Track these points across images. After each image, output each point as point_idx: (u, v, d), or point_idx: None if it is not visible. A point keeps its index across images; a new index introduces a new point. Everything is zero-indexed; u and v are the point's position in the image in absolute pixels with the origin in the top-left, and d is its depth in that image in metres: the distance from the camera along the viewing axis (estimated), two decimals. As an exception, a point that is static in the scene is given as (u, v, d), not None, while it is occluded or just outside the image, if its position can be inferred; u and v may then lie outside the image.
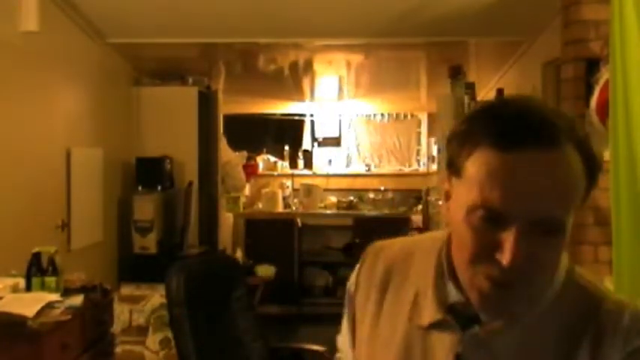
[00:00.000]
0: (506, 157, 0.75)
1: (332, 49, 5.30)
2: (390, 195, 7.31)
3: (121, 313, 4.08)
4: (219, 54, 5.45)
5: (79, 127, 4.54)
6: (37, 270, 2.85)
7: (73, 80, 4.46)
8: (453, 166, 0.82)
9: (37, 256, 2.87)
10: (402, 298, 0.93)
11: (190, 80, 5.76)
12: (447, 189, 0.86)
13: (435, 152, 4.94)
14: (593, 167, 0.80)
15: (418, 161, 7.57)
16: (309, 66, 5.81)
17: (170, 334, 2.78)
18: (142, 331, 4.05)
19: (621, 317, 0.82)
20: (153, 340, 3.92)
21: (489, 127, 0.77)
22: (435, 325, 0.87)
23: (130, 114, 5.56)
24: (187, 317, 2.46)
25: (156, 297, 4.19)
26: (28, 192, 3.70)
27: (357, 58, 5.65)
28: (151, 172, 5.35)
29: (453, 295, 0.87)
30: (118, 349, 3.66)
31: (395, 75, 6.22)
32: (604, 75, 3.09)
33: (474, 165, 0.77)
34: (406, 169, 7.54)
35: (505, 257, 0.74)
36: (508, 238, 0.74)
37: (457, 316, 0.86)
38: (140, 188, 5.29)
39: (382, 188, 7.36)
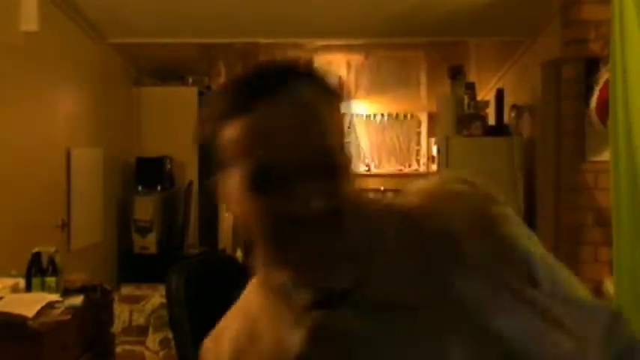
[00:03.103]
0: (252, 115, 0.71)
1: (332, 49, 5.30)
2: (390, 195, 7.30)
3: (121, 313, 4.08)
4: (219, 54, 5.46)
5: (79, 127, 4.54)
6: (37, 270, 2.85)
7: (73, 80, 4.46)
8: (219, 163, 0.78)
9: (37, 256, 2.87)
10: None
11: (190, 80, 5.76)
12: (222, 191, 0.80)
13: (435, 152, 4.94)
14: (337, 91, 0.78)
15: (418, 161, 7.58)
16: (309, 66, 5.81)
17: (170, 334, 2.78)
18: (142, 331, 4.05)
19: None
20: (153, 340, 3.92)
21: (229, 99, 0.74)
22: (312, 342, 0.77)
23: (130, 114, 5.57)
24: (187, 317, 2.46)
25: (156, 297, 4.19)
26: (28, 192, 3.70)
27: (357, 58, 5.65)
28: (151, 172, 5.35)
29: (305, 298, 0.78)
30: (118, 349, 3.66)
31: (395, 75, 6.22)
32: (604, 75, 3.09)
33: (231, 140, 0.74)
34: (406, 169, 7.54)
35: (302, 210, 0.70)
36: (296, 191, 0.70)
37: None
38: (140, 188, 5.29)
39: (382, 188, 7.36)
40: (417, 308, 0.74)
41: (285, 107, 0.72)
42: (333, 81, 0.78)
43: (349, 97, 0.80)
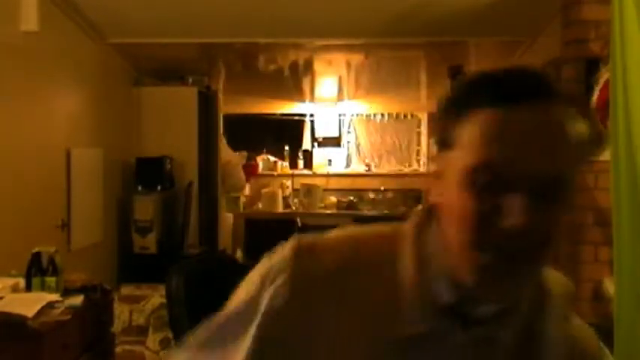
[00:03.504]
0: (506, 112, 0.70)
1: (332, 49, 5.30)
2: (390, 195, 7.31)
3: (121, 313, 4.08)
4: (219, 54, 5.46)
5: (79, 127, 4.54)
6: (37, 270, 2.85)
7: (73, 80, 4.46)
8: (444, 140, 0.75)
9: (37, 256, 2.87)
10: (363, 310, 0.76)
11: (190, 80, 5.76)
12: (437, 169, 0.77)
13: (435, 152, 4.94)
14: (596, 134, 0.77)
15: (418, 161, 7.57)
16: (309, 66, 5.81)
17: (170, 334, 2.78)
18: (142, 331, 4.05)
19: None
20: (153, 340, 3.92)
21: (485, 88, 0.72)
22: (421, 337, 0.74)
23: (130, 114, 5.56)
24: (187, 317, 2.46)
25: (156, 297, 4.19)
26: (28, 192, 3.70)
27: (357, 58, 5.65)
28: (151, 172, 5.35)
29: (443, 295, 0.75)
30: (118, 349, 3.66)
31: (395, 75, 6.22)
32: (604, 75, 3.09)
33: (471, 128, 0.71)
34: (406, 169, 7.54)
35: (511, 220, 0.67)
36: (514, 201, 0.67)
37: (454, 319, 0.75)
38: (140, 188, 5.29)
39: (382, 188, 7.36)
40: None
41: (542, 116, 0.70)
42: (589, 108, 0.78)
43: (600, 142, 0.80)
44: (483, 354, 0.76)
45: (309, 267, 0.78)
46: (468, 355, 0.75)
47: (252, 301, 0.80)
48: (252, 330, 0.78)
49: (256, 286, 0.81)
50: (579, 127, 0.72)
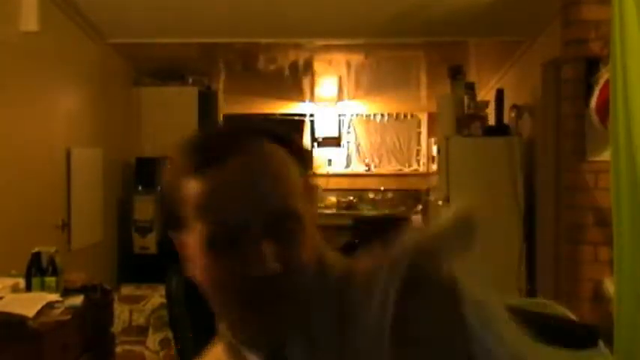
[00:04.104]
0: (208, 179, 0.73)
1: (332, 49, 5.30)
2: (390, 195, 7.31)
3: (121, 313, 4.08)
4: (219, 54, 5.46)
5: (79, 127, 4.54)
6: (37, 270, 2.84)
7: (73, 80, 4.46)
8: (177, 224, 0.79)
9: (37, 256, 2.87)
10: None
11: (190, 80, 5.76)
12: (182, 250, 0.82)
13: (435, 152, 4.94)
14: (300, 155, 0.78)
15: (418, 161, 7.57)
16: (309, 66, 5.81)
17: (170, 334, 2.78)
18: (142, 331, 4.05)
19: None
20: (153, 340, 3.92)
21: (185, 164, 0.77)
22: None
23: (130, 114, 5.56)
24: (187, 317, 2.46)
25: (156, 297, 4.19)
26: (28, 192, 3.70)
27: (357, 58, 5.65)
28: (151, 172, 5.35)
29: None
30: (118, 349, 3.66)
31: (395, 75, 6.22)
32: (604, 75, 3.09)
33: (189, 204, 0.75)
34: (406, 169, 7.54)
35: (265, 266, 0.71)
36: (260, 248, 0.72)
37: None
38: (140, 188, 5.29)
39: (382, 188, 7.36)
40: None
41: (236, 171, 0.73)
42: (294, 142, 0.79)
43: (310, 162, 0.81)
44: None
45: None
46: None
47: None
48: None
49: None
50: (286, 159, 0.76)
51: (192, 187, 0.74)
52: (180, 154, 0.79)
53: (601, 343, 1.70)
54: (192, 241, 0.77)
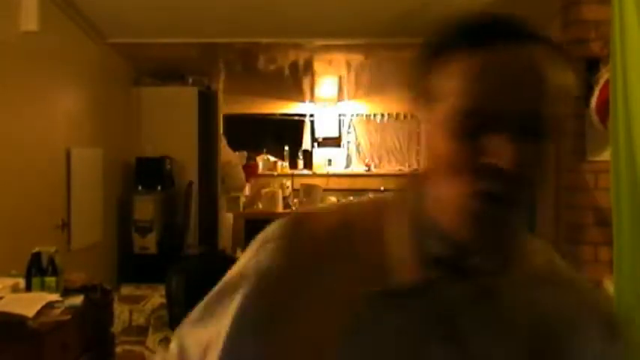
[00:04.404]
0: (485, 54, 0.69)
1: (332, 49, 5.30)
2: (390, 195, 7.30)
3: (121, 313, 4.08)
4: (219, 54, 5.46)
5: (79, 127, 4.54)
6: (37, 270, 2.85)
7: (73, 80, 4.46)
8: (423, 92, 0.74)
9: (37, 256, 2.87)
10: (353, 271, 0.75)
11: (190, 80, 5.76)
12: (423, 127, 0.76)
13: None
14: (573, 73, 0.75)
15: (418, 161, 7.57)
16: (309, 66, 5.81)
17: (170, 334, 2.78)
18: (142, 331, 4.05)
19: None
20: (153, 340, 3.92)
21: (461, 33, 0.72)
22: (415, 290, 0.72)
23: (130, 114, 5.57)
24: (187, 317, 2.44)
25: (156, 297, 4.20)
26: (28, 192, 3.70)
27: (357, 58, 5.65)
28: (151, 172, 5.35)
29: (434, 248, 0.73)
30: (118, 349, 3.66)
31: (395, 75, 6.22)
32: (604, 75, 3.09)
33: (451, 73, 0.70)
34: (406, 169, 7.54)
35: (500, 160, 0.66)
36: (499, 140, 0.67)
37: (448, 271, 0.73)
38: (140, 188, 5.29)
39: (382, 188, 7.36)
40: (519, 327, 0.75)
41: (522, 55, 0.70)
42: (567, 59, 0.75)
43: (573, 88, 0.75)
44: (480, 307, 0.73)
45: (301, 233, 0.79)
46: (465, 307, 0.73)
47: (244, 270, 0.81)
48: (242, 292, 0.79)
49: (249, 257, 0.82)
50: (559, 68, 0.72)
51: (465, 57, 0.70)
52: (458, 23, 0.75)
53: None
54: (439, 115, 0.71)
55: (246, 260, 0.82)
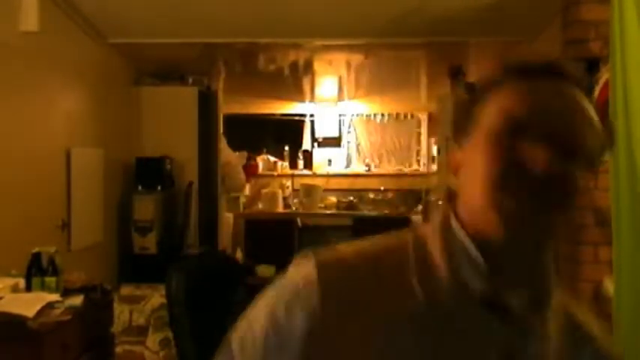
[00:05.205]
0: (531, 83, 0.76)
1: (332, 49, 5.30)
2: (390, 195, 7.31)
3: (121, 313, 4.08)
4: (219, 54, 5.45)
5: (79, 127, 4.54)
6: (37, 270, 2.85)
7: (73, 80, 4.46)
8: (464, 126, 0.79)
9: (37, 256, 2.87)
10: (392, 312, 0.76)
11: (190, 80, 5.76)
12: (457, 159, 0.80)
13: (435, 152, 4.94)
14: (610, 129, 0.81)
15: (418, 161, 7.57)
16: (309, 66, 5.81)
17: (170, 334, 2.78)
18: (142, 331, 4.05)
19: None
20: (153, 340, 3.92)
21: (508, 71, 0.78)
22: (455, 326, 0.75)
23: (130, 114, 5.56)
24: (187, 317, 2.46)
25: (156, 297, 4.20)
26: (28, 192, 3.70)
27: (357, 58, 5.65)
28: (151, 172, 5.35)
29: (472, 281, 0.75)
30: (118, 349, 3.66)
31: (395, 75, 6.22)
32: (604, 75, 3.09)
33: (497, 101, 0.76)
34: (406, 169, 7.54)
35: (535, 167, 0.71)
36: (539, 151, 0.71)
37: (488, 309, 0.75)
38: (140, 188, 5.29)
39: (382, 188, 7.36)
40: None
41: (565, 88, 0.76)
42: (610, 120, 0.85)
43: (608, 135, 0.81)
44: (517, 345, 0.76)
45: (336, 283, 0.78)
46: (501, 345, 0.75)
47: (281, 329, 0.80)
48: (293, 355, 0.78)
49: (281, 311, 0.81)
50: (594, 109, 0.78)
51: (511, 86, 0.76)
52: (504, 65, 0.80)
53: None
54: (476, 146, 0.76)
55: (280, 317, 0.81)
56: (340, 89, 6.85)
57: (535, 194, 0.71)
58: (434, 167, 5.85)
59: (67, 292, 2.85)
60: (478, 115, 0.78)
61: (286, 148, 7.43)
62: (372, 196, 7.31)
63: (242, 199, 6.92)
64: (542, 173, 0.71)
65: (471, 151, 0.77)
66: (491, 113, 0.76)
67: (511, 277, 0.76)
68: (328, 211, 6.95)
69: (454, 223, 0.78)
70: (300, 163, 7.38)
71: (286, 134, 7.45)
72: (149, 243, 5.18)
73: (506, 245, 0.73)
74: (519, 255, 0.75)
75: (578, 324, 0.86)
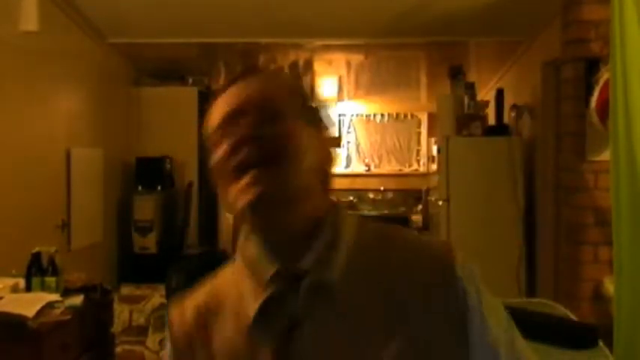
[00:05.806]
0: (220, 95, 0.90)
1: (332, 49, 5.30)
2: (390, 195, 7.31)
3: (121, 313, 4.09)
4: (219, 54, 5.45)
5: (79, 127, 4.54)
6: (37, 270, 2.85)
7: (73, 80, 4.46)
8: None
9: (37, 256, 2.87)
10: (227, 324, 0.86)
11: (190, 80, 5.76)
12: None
13: (435, 152, 4.94)
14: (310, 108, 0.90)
15: (418, 161, 7.57)
16: (309, 66, 5.81)
17: (170, 334, 2.78)
18: (142, 331, 4.05)
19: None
20: (153, 340, 3.93)
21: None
22: (272, 303, 0.80)
23: (130, 114, 5.57)
24: (187, 317, 2.44)
25: (156, 297, 4.20)
26: (28, 192, 3.70)
27: (357, 58, 5.65)
28: (151, 172, 5.35)
29: (267, 268, 0.82)
30: (118, 349, 3.66)
31: (395, 75, 6.22)
32: (604, 75, 3.09)
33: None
34: (406, 169, 7.54)
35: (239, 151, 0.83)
36: (236, 131, 0.85)
37: (287, 281, 0.80)
38: (140, 188, 5.29)
39: (382, 188, 7.36)
40: (362, 307, 0.78)
41: (234, 89, 0.89)
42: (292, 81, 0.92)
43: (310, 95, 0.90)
44: (319, 300, 0.78)
45: (180, 327, 0.91)
46: (311, 305, 0.78)
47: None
48: None
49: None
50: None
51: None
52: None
53: (601, 343, 1.70)
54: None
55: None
56: (340, 89, 6.85)
57: (244, 164, 0.82)
58: (434, 167, 5.84)
59: (67, 292, 2.84)
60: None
61: (286, 148, 7.43)
62: (371, 196, 7.31)
63: (242, 199, 6.92)
64: (245, 145, 0.83)
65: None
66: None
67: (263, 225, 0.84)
68: (328, 211, 6.94)
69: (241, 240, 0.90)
70: (300, 163, 7.38)
71: (286, 134, 7.45)
72: (149, 243, 5.18)
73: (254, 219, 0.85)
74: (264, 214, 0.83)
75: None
